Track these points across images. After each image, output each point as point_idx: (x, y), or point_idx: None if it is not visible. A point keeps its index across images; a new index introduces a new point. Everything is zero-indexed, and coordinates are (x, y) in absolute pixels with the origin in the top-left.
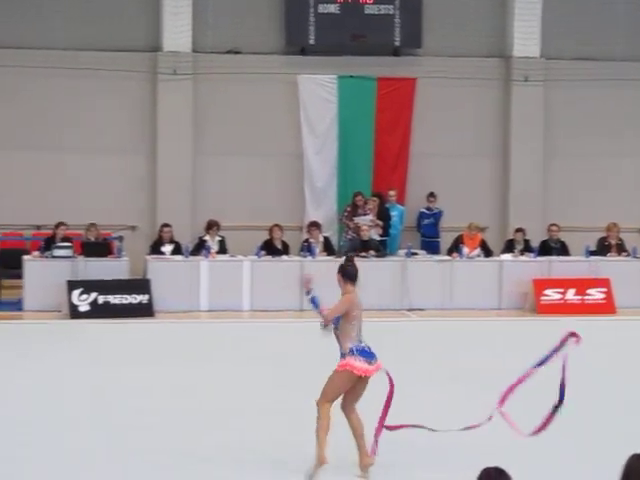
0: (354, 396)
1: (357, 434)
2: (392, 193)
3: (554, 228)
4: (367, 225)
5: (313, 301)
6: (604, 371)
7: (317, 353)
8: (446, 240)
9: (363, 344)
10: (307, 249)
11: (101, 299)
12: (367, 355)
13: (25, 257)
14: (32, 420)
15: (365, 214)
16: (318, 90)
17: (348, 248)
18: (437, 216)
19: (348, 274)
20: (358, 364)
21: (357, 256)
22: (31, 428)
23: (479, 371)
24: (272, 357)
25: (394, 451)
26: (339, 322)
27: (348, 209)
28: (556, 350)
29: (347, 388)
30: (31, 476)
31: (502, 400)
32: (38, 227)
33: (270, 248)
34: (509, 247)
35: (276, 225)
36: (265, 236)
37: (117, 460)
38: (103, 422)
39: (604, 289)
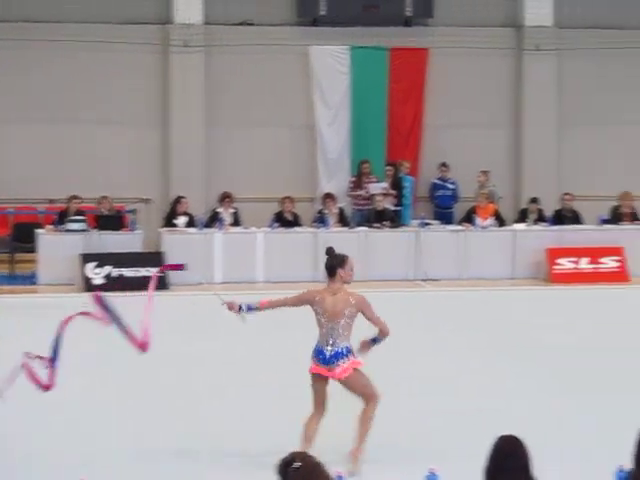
0: (316, 400)
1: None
2: (406, 164)
3: (567, 197)
4: (381, 194)
5: (249, 308)
6: (618, 340)
7: None
8: (460, 211)
9: (320, 345)
10: (321, 220)
11: (115, 272)
12: (317, 354)
13: (39, 231)
14: None
15: (370, 182)
16: (330, 61)
17: (362, 218)
18: (453, 186)
19: (325, 266)
20: (311, 363)
21: (371, 226)
22: None
23: (494, 341)
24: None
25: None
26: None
27: (352, 179)
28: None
29: (315, 389)
30: None
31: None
32: (51, 201)
33: (281, 220)
34: (523, 217)
35: (287, 197)
36: (278, 208)
37: None
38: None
39: (618, 257)
